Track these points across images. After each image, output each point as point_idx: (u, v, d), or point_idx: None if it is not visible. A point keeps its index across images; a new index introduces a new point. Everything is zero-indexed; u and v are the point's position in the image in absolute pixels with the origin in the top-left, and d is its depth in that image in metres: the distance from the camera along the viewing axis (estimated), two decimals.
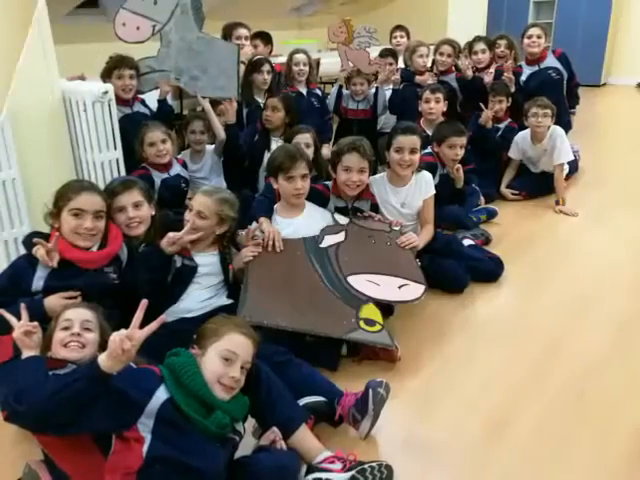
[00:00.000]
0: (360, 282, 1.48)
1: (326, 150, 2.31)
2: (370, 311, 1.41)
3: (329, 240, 1.58)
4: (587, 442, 1.12)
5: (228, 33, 2.44)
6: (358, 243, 1.59)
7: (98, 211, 1.25)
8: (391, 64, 2.76)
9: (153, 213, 1.44)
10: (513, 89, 2.67)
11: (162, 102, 2.14)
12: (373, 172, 1.79)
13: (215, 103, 2.14)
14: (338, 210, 1.70)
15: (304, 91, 2.59)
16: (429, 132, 2.24)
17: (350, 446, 1.10)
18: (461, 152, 2.03)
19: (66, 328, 1.02)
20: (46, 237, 1.23)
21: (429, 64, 2.91)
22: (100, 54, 2.05)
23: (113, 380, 0.87)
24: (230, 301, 1.41)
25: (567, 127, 2.71)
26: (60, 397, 0.84)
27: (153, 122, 1.94)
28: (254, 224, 1.55)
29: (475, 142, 2.40)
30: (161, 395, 0.90)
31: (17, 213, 1.67)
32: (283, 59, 2.73)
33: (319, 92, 2.70)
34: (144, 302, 0.91)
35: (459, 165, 2.04)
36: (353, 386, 1.19)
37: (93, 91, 1.75)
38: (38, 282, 1.19)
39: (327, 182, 1.76)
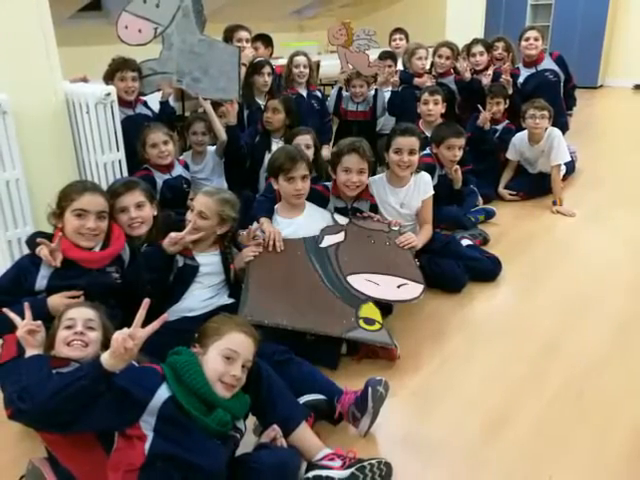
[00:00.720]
0: (360, 281, 1.49)
1: (326, 151, 2.33)
2: (369, 310, 1.42)
3: (329, 240, 1.59)
4: (586, 441, 1.13)
5: (229, 36, 2.46)
6: (358, 243, 1.61)
7: (101, 211, 1.26)
8: (390, 66, 2.78)
9: (155, 213, 1.45)
10: (511, 91, 2.69)
11: (164, 104, 2.15)
12: (372, 173, 1.80)
13: (216, 105, 2.16)
14: (338, 210, 1.72)
15: (304, 93, 2.60)
16: (428, 133, 2.25)
17: (350, 444, 1.11)
18: (459, 153, 2.05)
19: (69, 327, 1.03)
20: (49, 237, 1.24)
21: (428, 66, 2.92)
22: (103, 56, 2.07)
23: (116, 378, 0.88)
24: (231, 300, 1.42)
25: (564, 128, 2.73)
26: (63, 395, 0.85)
27: (155, 123, 1.95)
28: (255, 224, 1.56)
29: (473, 143, 2.42)
30: (163, 393, 0.91)
31: (21, 213, 1.68)
32: (283, 61, 2.75)
33: (319, 94, 2.72)
34: (146, 301, 0.92)
35: (457, 166, 2.06)
36: (353, 384, 1.20)
37: (96, 93, 1.76)
38: (41, 281, 1.19)
39: (327, 183, 1.77)
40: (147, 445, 0.88)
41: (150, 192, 1.47)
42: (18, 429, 1.15)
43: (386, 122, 2.77)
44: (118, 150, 1.87)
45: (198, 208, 1.41)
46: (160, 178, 1.93)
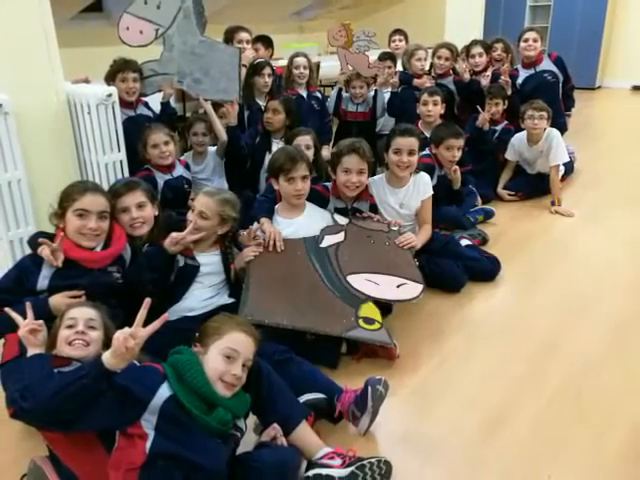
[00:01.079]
0: (359, 281, 1.50)
1: (326, 152, 2.34)
2: (369, 310, 1.43)
3: (329, 240, 1.60)
4: (584, 441, 1.14)
5: (230, 37, 2.46)
6: (357, 243, 1.61)
7: (102, 212, 1.27)
8: (390, 67, 2.79)
9: (156, 213, 1.45)
10: (509, 92, 2.70)
11: (165, 104, 2.16)
12: (372, 173, 1.81)
13: (217, 105, 2.17)
14: (338, 211, 1.72)
15: (304, 94, 2.61)
16: (427, 134, 2.26)
17: (349, 442, 1.12)
18: (458, 154, 2.06)
19: (70, 326, 1.03)
20: (51, 237, 1.24)
21: (427, 67, 2.93)
22: (104, 57, 2.08)
23: (117, 378, 0.88)
24: (232, 300, 1.42)
25: (562, 129, 2.74)
26: (64, 394, 0.85)
27: (156, 124, 1.96)
28: (255, 224, 1.57)
29: (472, 144, 2.42)
30: (164, 392, 0.91)
31: (22, 213, 1.69)
32: (284, 62, 2.76)
33: (319, 95, 2.72)
34: (147, 301, 0.93)
35: (456, 166, 2.07)
36: (353, 383, 1.21)
37: (97, 94, 1.77)
38: (43, 281, 1.20)
39: (327, 183, 1.78)
40: (148, 444, 0.88)
41: (151, 192, 1.48)
42: (20, 428, 1.15)
43: (386, 123, 2.78)
44: (119, 150, 1.88)
45: (199, 208, 1.41)
46: (161, 178, 1.94)
